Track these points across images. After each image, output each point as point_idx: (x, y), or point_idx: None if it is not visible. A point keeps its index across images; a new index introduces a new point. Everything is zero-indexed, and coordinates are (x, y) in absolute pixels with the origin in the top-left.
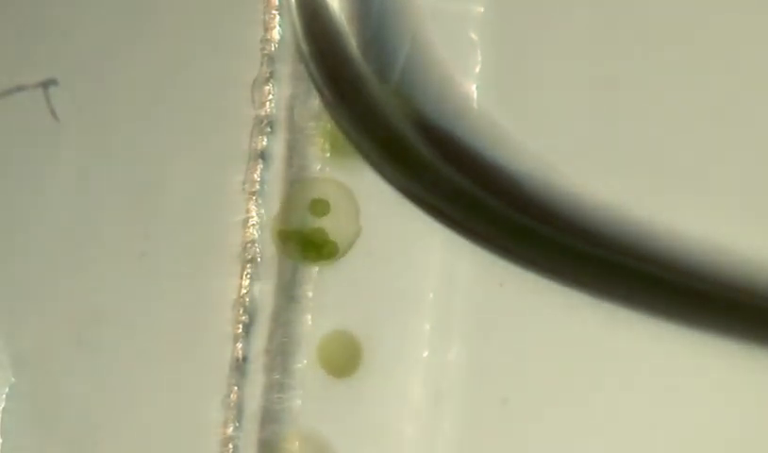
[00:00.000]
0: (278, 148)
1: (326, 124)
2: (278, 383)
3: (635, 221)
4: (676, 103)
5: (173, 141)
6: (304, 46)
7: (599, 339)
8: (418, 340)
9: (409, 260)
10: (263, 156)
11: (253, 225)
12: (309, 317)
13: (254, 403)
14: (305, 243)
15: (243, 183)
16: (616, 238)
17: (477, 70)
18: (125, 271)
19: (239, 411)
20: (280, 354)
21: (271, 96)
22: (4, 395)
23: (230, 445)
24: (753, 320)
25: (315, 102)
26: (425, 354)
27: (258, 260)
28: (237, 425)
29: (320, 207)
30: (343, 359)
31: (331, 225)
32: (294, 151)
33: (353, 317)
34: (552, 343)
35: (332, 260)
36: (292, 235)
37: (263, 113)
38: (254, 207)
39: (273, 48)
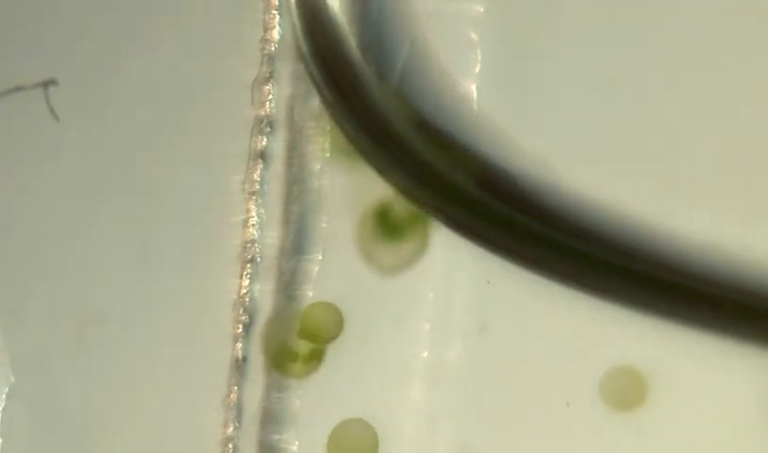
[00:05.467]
0: (278, 148)
1: (326, 124)
2: (278, 383)
3: (635, 221)
4: (676, 103)
5: (173, 141)
6: (304, 46)
7: (600, 338)
8: (418, 340)
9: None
10: (263, 156)
11: (253, 225)
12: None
13: (254, 403)
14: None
15: (243, 183)
16: (616, 238)
17: (477, 70)
18: (125, 271)
19: (239, 411)
20: None
21: (271, 96)
22: (4, 395)
23: (230, 445)
24: (753, 320)
25: (315, 102)
26: (425, 354)
27: (258, 260)
28: (237, 425)
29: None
30: None
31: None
32: (294, 151)
33: (353, 317)
34: (552, 343)
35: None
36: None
37: (263, 113)
38: (254, 207)
39: (273, 48)
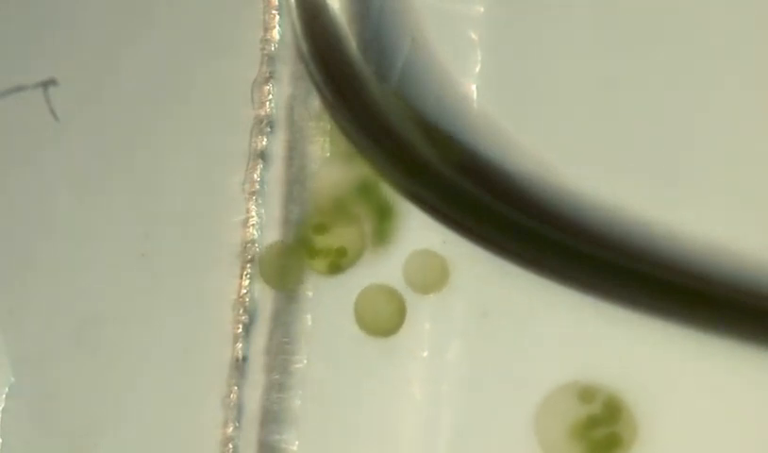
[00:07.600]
0: (278, 148)
1: (326, 124)
2: (278, 383)
3: (635, 221)
4: (675, 103)
5: (173, 141)
6: (304, 46)
7: (599, 338)
8: (418, 340)
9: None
10: (263, 156)
11: (253, 225)
12: (309, 317)
13: (254, 403)
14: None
15: (243, 183)
16: (616, 238)
17: (477, 70)
18: (125, 271)
19: (239, 411)
20: (280, 354)
21: (271, 96)
22: (4, 395)
23: (230, 445)
24: (753, 320)
25: (315, 102)
26: (425, 354)
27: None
28: (237, 425)
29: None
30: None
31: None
32: (294, 151)
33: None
34: (552, 343)
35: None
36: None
37: (263, 113)
38: (254, 207)
39: (273, 48)
